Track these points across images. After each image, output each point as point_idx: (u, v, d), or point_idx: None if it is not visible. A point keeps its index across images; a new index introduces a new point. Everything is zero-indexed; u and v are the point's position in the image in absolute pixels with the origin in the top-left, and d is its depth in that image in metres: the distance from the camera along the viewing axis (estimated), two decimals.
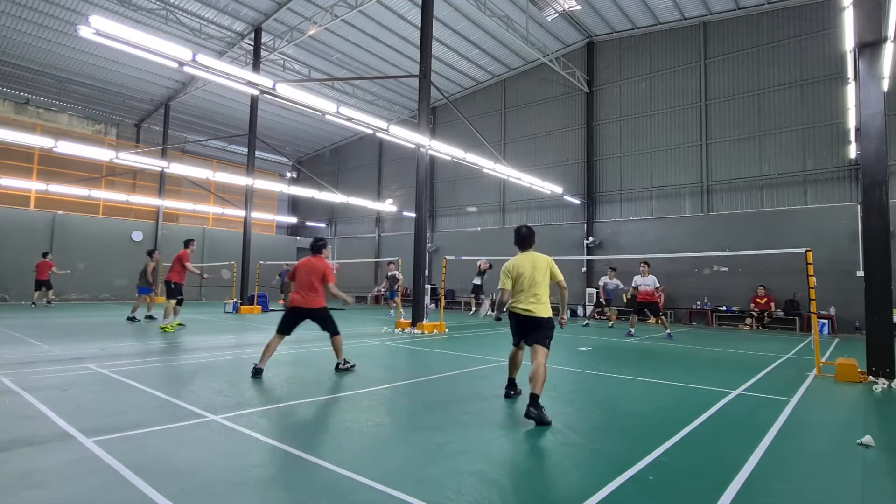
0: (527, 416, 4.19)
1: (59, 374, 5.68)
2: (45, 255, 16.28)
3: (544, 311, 4.65)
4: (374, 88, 22.40)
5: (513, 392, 5.08)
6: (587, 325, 14.14)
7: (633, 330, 11.55)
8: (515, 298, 4.76)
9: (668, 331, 11.31)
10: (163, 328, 10.00)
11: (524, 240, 4.89)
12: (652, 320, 13.09)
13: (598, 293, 14.98)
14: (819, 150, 14.45)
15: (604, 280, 14.35)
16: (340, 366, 6.27)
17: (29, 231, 19.10)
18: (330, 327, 6.25)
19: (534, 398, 4.27)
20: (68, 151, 12.30)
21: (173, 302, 10.27)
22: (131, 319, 11.77)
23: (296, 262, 6.79)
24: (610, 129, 18.51)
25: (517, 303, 4.74)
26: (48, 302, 16.72)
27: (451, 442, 3.60)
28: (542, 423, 4.16)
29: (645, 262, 11.63)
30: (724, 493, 2.78)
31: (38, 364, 6.34)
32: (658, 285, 11.60)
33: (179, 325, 10.55)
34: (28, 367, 6.12)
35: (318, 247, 6.33)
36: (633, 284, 11.89)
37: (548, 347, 4.58)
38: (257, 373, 5.74)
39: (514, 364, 5.03)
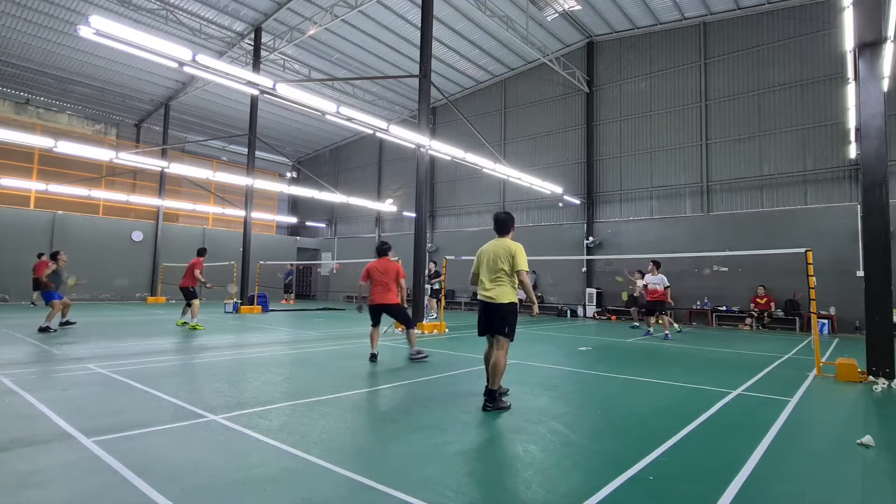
0: (484, 409, 4.44)
1: (59, 374, 5.69)
2: (40, 255, 16.30)
3: (504, 296, 4.58)
4: (374, 88, 22.39)
5: (490, 406, 4.45)
6: (659, 334, 11.53)
7: (651, 329, 11.83)
8: (480, 283, 4.79)
9: (666, 331, 11.25)
10: (193, 326, 11.00)
11: (498, 225, 4.94)
12: (653, 319, 13.07)
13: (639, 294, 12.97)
14: (819, 150, 14.44)
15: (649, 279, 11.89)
16: (412, 355, 7.22)
17: (29, 231, 19.09)
18: (405, 320, 7.32)
19: (489, 393, 4.49)
20: (68, 151, 12.29)
21: (197, 303, 11.47)
22: (45, 330, 9.82)
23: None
24: (610, 129, 18.50)
25: (479, 287, 4.80)
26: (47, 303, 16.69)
27: (451, 442, 3.60)
28: (500, 409, 4.46)
29: (655, 262, 11.64)
30: (724, 493, 2.78)
31: (38, 364, 6.35)
32: (667, 284, 11.49)
33: (195, 326, 11.08)
34: (28, 367, 6.12)
35: (384, 250, 7.23)
36: (643, 283, 11.92)
37: (508, 336, 4.59)
38: (373, 357, 6.99)
39: (488, 363, 4.67)
